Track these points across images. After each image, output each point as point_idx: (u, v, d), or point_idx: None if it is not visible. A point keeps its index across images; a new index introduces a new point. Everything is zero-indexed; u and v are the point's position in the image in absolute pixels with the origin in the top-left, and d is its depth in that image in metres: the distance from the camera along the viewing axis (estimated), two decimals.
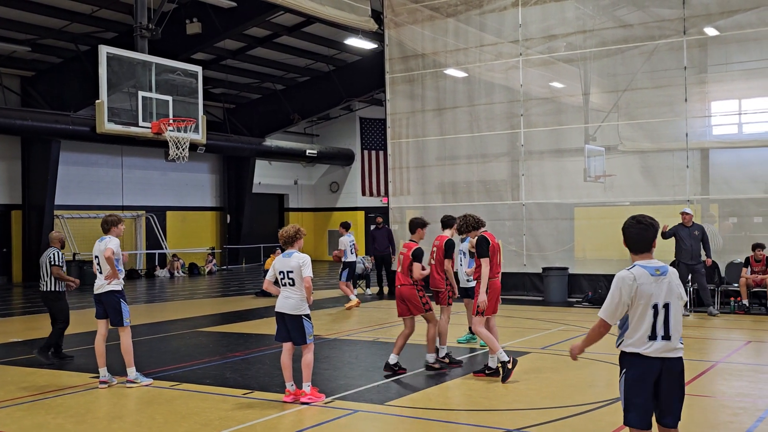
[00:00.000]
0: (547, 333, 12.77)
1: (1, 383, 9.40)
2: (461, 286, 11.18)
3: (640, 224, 4.76)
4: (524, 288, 17.90)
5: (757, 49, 16.56)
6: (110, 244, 9.03)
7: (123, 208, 28.97)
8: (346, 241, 17.48)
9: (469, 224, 9.60)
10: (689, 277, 14.76)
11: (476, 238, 9.34)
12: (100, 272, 9.11)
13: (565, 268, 17.51)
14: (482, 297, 8.97)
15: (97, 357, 9.08)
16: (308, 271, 7.99)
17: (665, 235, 14.71)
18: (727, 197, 16.80)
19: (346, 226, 17.98)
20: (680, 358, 4.73)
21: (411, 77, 20.28)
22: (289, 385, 8.10)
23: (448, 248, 10.06)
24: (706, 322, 14.10)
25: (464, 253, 11.29)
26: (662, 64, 17.04)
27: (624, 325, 4.76)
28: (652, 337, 4.65)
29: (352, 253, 17.39)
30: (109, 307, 9.08)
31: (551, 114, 18.60)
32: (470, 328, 11.40)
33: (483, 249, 9.08)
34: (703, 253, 14.83)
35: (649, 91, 17.27)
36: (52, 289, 10.59)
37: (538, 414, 7.51)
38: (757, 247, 14.83)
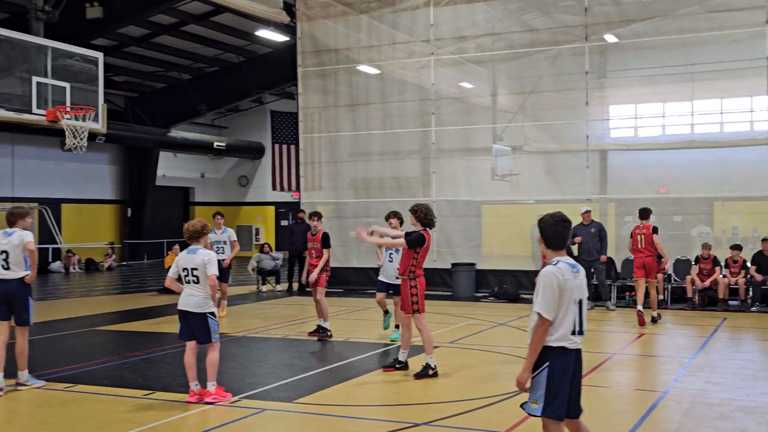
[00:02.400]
0: (455, 327, 13.05)
1: None
2: (384, 280, 11.24)
3: (560, 222, 4.93)
4: (434, 283, 18.16)
5: (653, 57, 17.45)
6: (27, 237, 8.43)
7: (13, 199, 27.04)
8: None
9: (425, 217, 9.21)
10: (591, 272, 15.27)
11: (414, 233, 9.14)
12: (6, 267, 8.40)
13: (473, 264, 17.93)
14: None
15: None
16: (213, 269, 7.81)
17: (572, 241, 15.30)
18: (623, 197, 17.61)
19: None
20: (581, 350, 4.95)
21: (324, 72, 20.21)
22: (194, 385, 7.88)
23: None
24: (604, 315, 14.70)
25: (397, 249, 11.38)
26: (566, 68, 17.70)
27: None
28: (574, 331, 4.81)
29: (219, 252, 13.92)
30: (16, 300, 8.45)
31: (461, 113, 18.99)
32: (397, 325, 11.62)
33: (416, 241, 8.99)
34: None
35: (553, 93, 17.91)
36: None
37: (447, 407, 7.67)
38: None
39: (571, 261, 4.90)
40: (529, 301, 16.17)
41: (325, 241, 11.86)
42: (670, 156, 17.52)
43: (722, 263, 15.32)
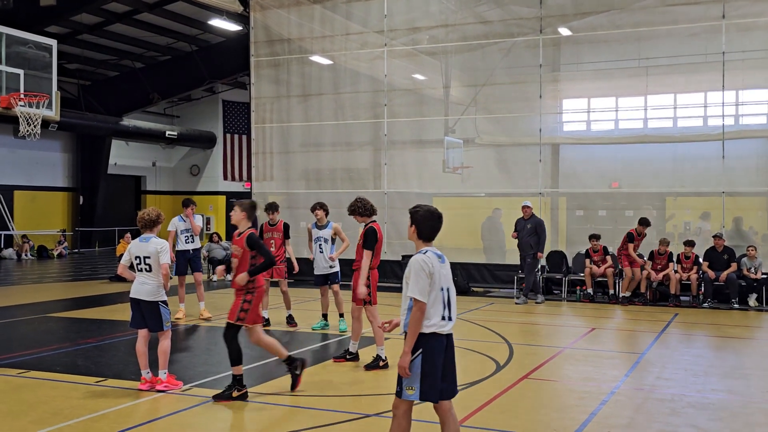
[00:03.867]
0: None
1: None
2: (319, 273, 11.37)
3: (436, 218, 5.23)
4: (384, 275, 18.06)
5: (607, 51, 17.55)
6: None
7: None
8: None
9: (364, 208, 9.17)
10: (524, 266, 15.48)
11: (367, 226, 9.08)
12: None
13: None
14: (362, 289, 8.84)
15: None
16: (166, 258, 7.89)
17: (516, 236, 15.49)
18: (575, 191, 17.77)
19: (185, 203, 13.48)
20: (452, 335, 5.20)
21: (276, 62, 20.10)
22: (145, 373, 7.95)
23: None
24: (554, 309, 14.86)
25: (325, 240, 11.37)
26: (519, 60, 17.73)
27: (411, 308, 5.05)
28: (445, 317, 5.06)
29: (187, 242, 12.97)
30: None
31: (413, 105, 18.99)
32: (324, 315, 11.80)
33: (370, 241, 8.93)
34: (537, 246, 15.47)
35: (506, 86, 17.96)
36: None
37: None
38: (593, 238, 15.72)
39: (438, 251, 5.16)
40: (480, 294, 16.48)
41: (287, 232, 11.95)
42: (623, 150, 17.69)
43: (674, 259, 15.41)
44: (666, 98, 17.77)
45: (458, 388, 7.93)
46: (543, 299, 15.52)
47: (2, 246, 28.24)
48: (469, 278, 17.40)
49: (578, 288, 15.90)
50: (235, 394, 7.57)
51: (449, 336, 5.13)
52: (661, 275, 15.19)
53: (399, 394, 5.06)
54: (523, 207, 15.52)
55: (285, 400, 7.67)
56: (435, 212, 5.25)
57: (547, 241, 15.89)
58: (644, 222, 15.29)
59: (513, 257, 16.62)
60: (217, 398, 7.57)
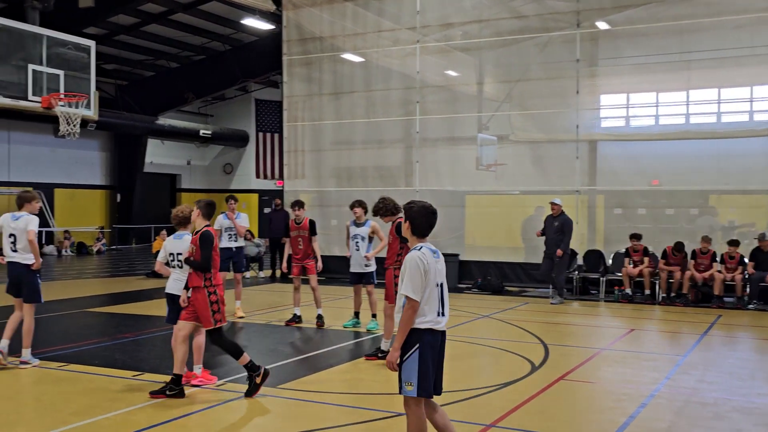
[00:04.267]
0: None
1: None
2: (354, 271, 11.37)
3: (431, 214, 5.22)
4: None
5: (646, 45, 17.09)
6: (31, 224, 8.71)
7: (9, 183, 27.91)
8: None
9: (386, 208, 9.30)
10: (550, 265, 15.23)
11: (395, 223, 9.10)
12: (14, 250, 8.76)
13: (456, 255, 17.80)
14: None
15: (7, 329, 8.80)
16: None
17: (543, 234, 15.31)
18: (613, 188, 17.37)
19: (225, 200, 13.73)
20: (445, 332, 5.22)
21: (308, 60, 20.11)
22: (196, 368, 8.05)
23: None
24: (591, 310, 14.62)
25: (362, 238, 11.33)
26: (555, 56, 17.44)
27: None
28: (440, 313, 5.08)
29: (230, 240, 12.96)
30: (25, 280, 8.76)
31: (446, 102, 18.81)
32: (356, 313, 11.76)
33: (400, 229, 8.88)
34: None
35: (541, 82, 17.66)
36: None
37: None
38: (633, 237, 15.42)
39: (433, 247, 5.18)
40: (515, 294, 16.28)
41: (313, 229, 11.86)
42: (664, 147, 17.16)
43: (718, 259, 14.95)
44: (709, 93, 17.27)
45: (493, 388, 7.99)
46: (561, 301, 15.20)
47: (44, 242, 28.79)
48: (503, 277, 17.20)
49: (616, 288, 15.56)
50: (257, 380, 7.53)
51: (443, 333, 5.16)
52: (704, 275, 14.74)
53: (399, 390, 5.11)
54: (553, 204, 15.27)
55: (317, 397, 7.62)
56: (429, 208, 5.24)
57: (584, 240, 15.65)
58: (679, 248, 14.96)
59: None
60: (248, 394, 7.54)
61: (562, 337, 11.52)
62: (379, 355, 9.30)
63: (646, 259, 15.30)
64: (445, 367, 8.81)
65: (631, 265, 15.32)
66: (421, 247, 5.09)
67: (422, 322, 5.01)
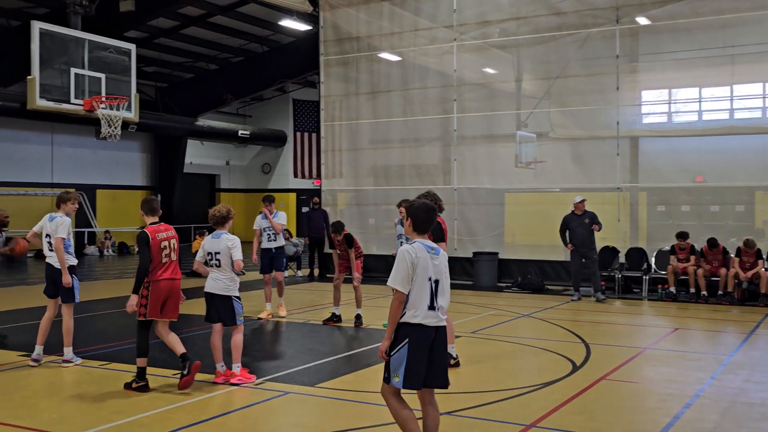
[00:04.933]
0: (478, 317, 12.86)
1: None
2: None
3: (431, 211, 5.34)
4: (455, 272, 17.86)
5: (688, 40, 16.73)
6: (60, 229, 8.82)
7: (53, 185, 28.47)
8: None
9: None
10: (582, 263, 15.12)
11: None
12: (51, 250, 8.90)
13: (495, 253, 17.67)
14: None
15: (39, 334, 8.92)
16: (238, 254, 7.97)
17: (561, 232, 15.16)
18: (656, 185, 17.08)
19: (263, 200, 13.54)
20: (445, 327, 5.29)
21: (345, 60, 20.14)
22: (219, 366, 8.06)
23: None
24: (634, 309, 14.39)
25: (407, 238, 11.23)
26: (594, 52, 17.21)
27: (405, 300, 5.17)
28: (431, 308, 5.15)
29: (269, 240, 12.94)
30: (59, 282, 8.85)
31: (484, 100, 18.67)
32: None
33: (438, 234, 8.69)
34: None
35: (581, 78, 17.45)
36: None
37: (469, 398, 7.53)
38: (680, 236, 15.16)
39: (431, 245, 5.27)
40: (556, 292, 16.12)
41: (349, 242, 11.85)
42: (708, 143, 16.82)
43: (764, 256, 14.57)
44: (754, 87, 16.92)
45: (534, 387, 7.90)
46: (579, 297, 15.09)
47: (86, 243, 29.35)
48: (544, 276, 17.00)
49: (659, 286, 15.28)
50: (134, 386, 7.73)
51: (438, 329, 5.20)
52: (749, 274, 14.39)
53: (386, 380, 5.22)
54: (578, 202, 15.13)
55: (355, 396, 7.61)
56: (429, 206, 5.37)
57: (626, 237, 15.43)
58: (713, 243, 14.72)
59: None
60: (127, 386, 7.76)
61: (604, 337, 11.34)
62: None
63: (692, 258, 15.02)
64: (486, 367, 8.90)
65: (678, 263, 15.05)
66: (415, 242, 5.23)
67: (412, 316, 5.13)
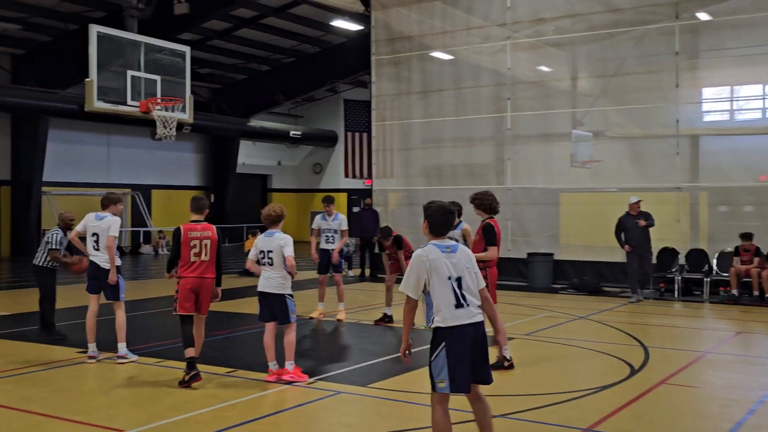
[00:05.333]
0: (532, 319, 12.67)
1: None
2: None
3: (447, 213, 5.27)
4: (508, 273, 17.59)
5: (751, 36, 16.21)
6: (113, 228, 8.99)
7: (109, 185, 28.96)
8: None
9: (482, 202, 8.86)
10: (638, 263, 14.87)
11: (483, 223, 8.80)
12: (96, 248, 9.01)
13: (550, 254, 17.38)
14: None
15: (87, 332, 9.05)
16: (289, 251, 8.00)
17: (616, 233, 14.92)
18: (717, 185, 16.59)
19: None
20: (482, 322, 5.18)
21: (397, 59, 20.07)
22: (272, 365, 8.09)
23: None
24: (695, 311, 14.06)
25: (455, 240, 11.13)
26: (653, 49, 16.82)
27: (430, 303, 5.12)
28: (459, 306, 5.05)
29: (327, 242, 12.77)
30: (104, 281, 9.00)
31: (538, 98, 18.41)
32: None
33: (491, 236, 8.66)
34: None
35: (638, 76, 17.05)
36: (41, 264, 10.47)
37: (523, 400, 7.41)
38: (744, 237, 14.72)
39: (447, 243, 5.17)
40: (613, 294, 15.80)
41: (398, 243, 11.94)
42: None
43: None
44: None
45: (590, 391, 7.72)
46: (638, 299, 14.86)
47: (141, 242, 29.85)
48: (600, 277, 16.66)
49: (721, 289, 14.86)
50: (186, 378, 7.76)
51: (475, 325, 5.10)
52: None
53: (433, 387, 5.12)
54: (633, 203, 14.86)
55: (408, 397, 7.53)
56: (447, 207, 5.30)
57: (686, 238, 15.04)
58: (748, 236, 14.48)
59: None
60: (181, 383, 7.82)
61: (663, 340, 11.07)
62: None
63: (756, 260, 14.56)
64: (541, 369, 8.73)
65: (741, 265, 14.63)
66: (428, 245, 5.16)
67: (442, 320, 5.06)
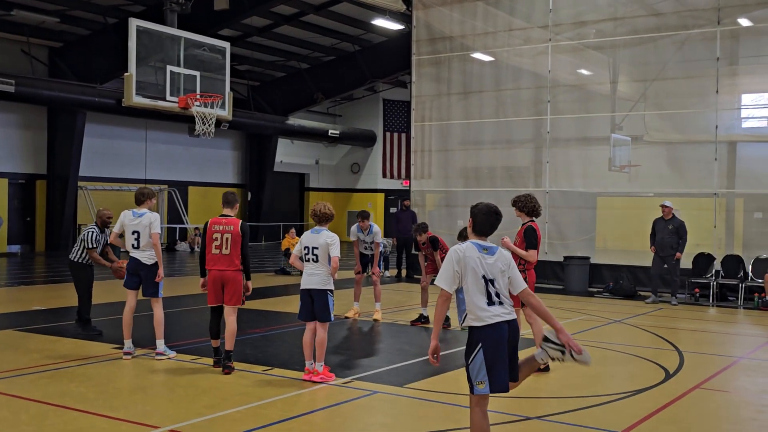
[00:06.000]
0: (568, 322, 12.66)
1: (25, 351, 9.53)
2: None
3: (493, 214, 5.24)
4: (545, 276, 17.62)
5: None
6: (155, 225, 9.04)
7: (146, 181, 29.08)
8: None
9: (524, 204, 8.90)
10: (664, 267, 15.10)
11: (524, 226, 8.83)
12: (136, 246, 9.03)
13: (587, 258, 17.36)
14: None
15: (123, 328, 9.12)
16: (336, 251, 8.06)
17: (651, 236, 15.29)
18: (753, 191, 16.50)
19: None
20: (516, 320, 5.21)
21: (437, 60, 20.10)
22: (309, 364, 8.13)
23: None
24: (729, 317, 13.97)
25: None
26: (694, 54, 16.69)
27: (462, 301, 5.15)
28: (491, 302, 5.05)
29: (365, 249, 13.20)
30: (145, 278, 9.06)
31: (578, 101, 18.37)
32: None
33: (531, 239, 8.71)
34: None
35: (679, 81, 16.95)
36: (77, 259, 10.51)
37: (559, 403, 7.46)
38: None
39: (485, 244, 5.17)
40: (647, 298, 15.71)
41: (435, 245, 11.97)
42: None
43: None
44: None
45: (625, 395, 7.75)
46: (654, 300, 15.15)
47: (177, 239, 29.99)
48: (636, 282, 16.61)
49: (756, 295, 14.81)
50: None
51: (509, 323, 5.10)
52: None
53: (471, 390, 5.11)
54: (664, 207, 15.04)
55: (445, 398, 7.60)
56: (493, 209, 5.28)
57: (721, 244, 14.88)
58: None
59: (686, 261, 15.77)
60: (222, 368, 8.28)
61: (698, 345, 11.05)
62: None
63: None
64: (576, 372, 8.77)
65: None
66: (467, 243, 5.17)
67: (476, 319, 5.08)
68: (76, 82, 24.19)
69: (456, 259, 5.07)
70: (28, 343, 10.04)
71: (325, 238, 8.05)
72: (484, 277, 5.07)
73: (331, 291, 8.12)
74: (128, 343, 9.10)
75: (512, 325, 5.13)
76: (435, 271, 11.91)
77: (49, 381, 7.98)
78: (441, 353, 5.33)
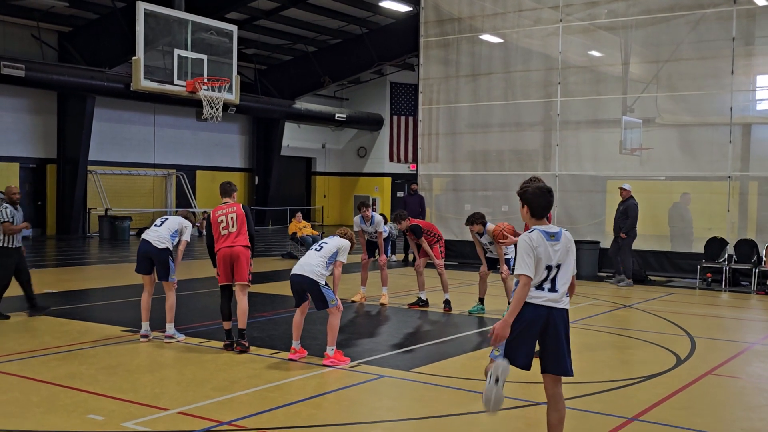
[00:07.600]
0: (577, 307, 12.51)
1: (36, 333, 9.62)
2: (491, 257, 11.42)
3: (547, 193, 5.10)
4: None
5: None
6: (185, 234, 9.47)
7: (154, 165, 29.23)
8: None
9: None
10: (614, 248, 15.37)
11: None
12: (158, 226, 9.37)
13: (597, 242, 17.17)
14: None
15: (142, 311, 9.22)
16: (343, 257, 8.26)
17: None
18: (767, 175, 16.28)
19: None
20: (567, 310, 5.09)
21: (446, 42, 19.86)
22: (296, 344, 8.22)
23: None
24: (742, 302, 13.81)
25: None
26: (709, 34, 16.37)
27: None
28: (539, 287, 4.96)
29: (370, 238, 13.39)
30: (159, 262, 9.15)
31: (589, 83, 18.09)
32: (481, 299, 11.71)
33: None
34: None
35: (692, 62, 16.64)
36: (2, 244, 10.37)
37: (569, 388, 7.28)
38: None
39: (552, 230, 5.02)
40: (659, 284, 15.55)
41: (417, 233, 11.96)
42: None
43: None
44: None
45: (636, 380, 7.61)
46: (629, 284, 15.16)
47: None
48: (647, 266, 16.43)
49: None
50: (226, 346, 8.60)
51: (552, 310, 4.98)
52: None
53: (491, 355, 5.20)
54: (622, 189, 15.36)
55: (452, 382, 7.52)
56: (544, 188, 5.14)
57: (734, 228, 14.68)
58: None
59: (698, 245, 15.54)
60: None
61: (710, 330, 10.89)
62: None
63: None
64: (586, 357, 8.63)
65: None
66: (533, 230, 5.01)
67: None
68: (86, 66, 24.29)
69: (528, 249, 4.94)
70: (40, 325, 10.10)
71: (339, 241, 8.30)
72: (549, 267, 4.98)
73: (324, 284, 8.13)
74: (145, 326, 9.19)
75: (554, 314, 4.99)
76: (427, 255, 11.83)
77: (59, 363, 8.02)
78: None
